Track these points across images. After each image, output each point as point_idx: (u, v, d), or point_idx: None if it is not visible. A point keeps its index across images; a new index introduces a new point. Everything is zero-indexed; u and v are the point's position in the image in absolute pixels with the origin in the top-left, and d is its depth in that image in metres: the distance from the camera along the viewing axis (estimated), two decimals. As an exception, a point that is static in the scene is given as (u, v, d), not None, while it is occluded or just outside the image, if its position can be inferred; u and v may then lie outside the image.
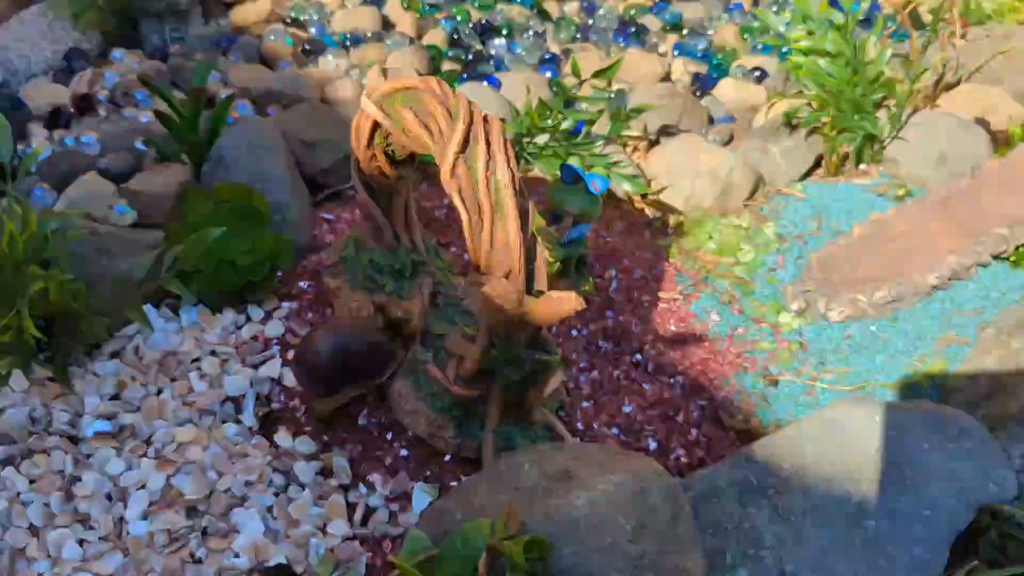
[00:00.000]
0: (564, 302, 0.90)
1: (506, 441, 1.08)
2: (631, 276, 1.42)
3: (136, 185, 1.29)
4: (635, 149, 1.70)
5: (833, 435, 1.03)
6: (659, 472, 0.89)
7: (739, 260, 1.50)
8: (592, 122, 1.57)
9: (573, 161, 1.51)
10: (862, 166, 1.71)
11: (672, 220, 1.59)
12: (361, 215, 1.22)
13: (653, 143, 1.71)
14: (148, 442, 1.07)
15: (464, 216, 0.97)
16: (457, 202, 0.97)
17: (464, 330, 1.16)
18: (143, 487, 1.02)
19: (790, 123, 1.70)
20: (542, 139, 1.58)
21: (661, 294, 1.41)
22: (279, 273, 1.28)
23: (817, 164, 1.72)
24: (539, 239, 0.99)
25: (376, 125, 1.09)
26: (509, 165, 0.96)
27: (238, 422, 1.12)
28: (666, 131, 1.71)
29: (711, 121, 1.81)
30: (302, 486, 1.06)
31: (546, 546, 0.79)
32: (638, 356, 1.30)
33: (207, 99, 1.36)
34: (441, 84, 1.01)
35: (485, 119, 0.97)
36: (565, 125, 1.57)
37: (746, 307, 1.42)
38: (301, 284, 1.29)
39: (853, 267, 1.44)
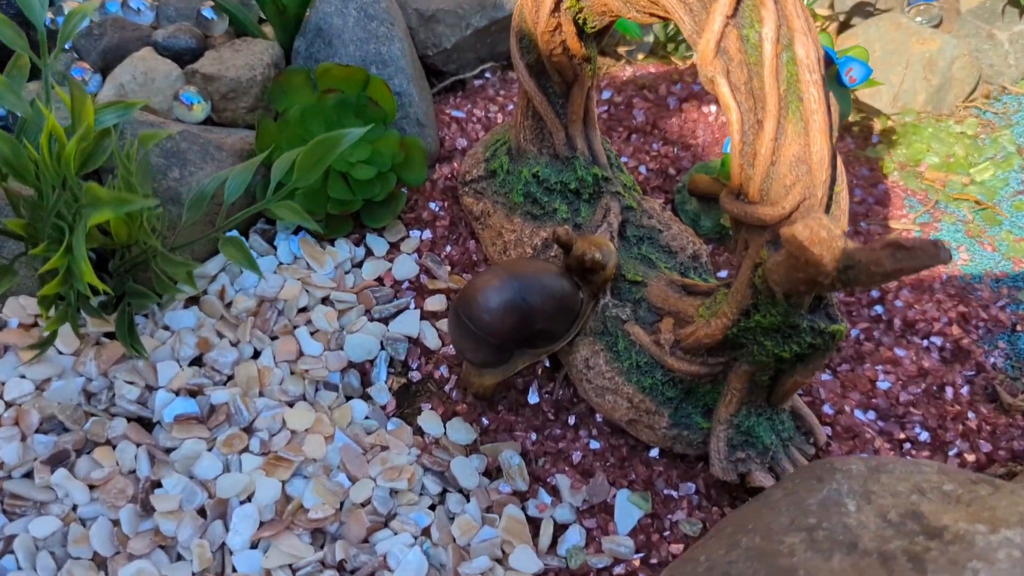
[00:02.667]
0: (926, 253, 0.57)
1: (744, 436, 0.77)
2: (850, 198, 1.08)
3: (209, 67, 0.95)
4: (822, 31, 1.33)
5: None
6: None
7: (974, 179, 1.16)
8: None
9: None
10: (1104, 60, 1.34)
11: (878, 125, 1.24)
12: (518, 112, 0.89)
13: (843, 25, 1.35)
14: (248, 430, 0.77)
15: (733, 114, 0.64)
16: (723, 92, 0.64)
17: (668, 276, 0.84)
18: (249, 499, 0.72)
19: (1019, 2, 1.33)
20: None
21: (891, 223, 1.08)
22: (405, 191, 0.95)
23: (1049, 56, 1.35)
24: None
25: (569, -20, 0.75)
26: (812, 36, 0.62)
27: (367, 398, 0.82)
28: (862, 9, 1.35)
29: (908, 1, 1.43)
30: (465, 494, 0.76)
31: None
32: (877, 308, 0.97)
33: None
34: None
35: (770, -35, 0.63)
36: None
37: (999, 242, 1.08)
38: (432, 206, 0.96)
39: None
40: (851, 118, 1.25)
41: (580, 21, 0.79)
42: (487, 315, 0.74)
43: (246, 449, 0.75)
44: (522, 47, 0.85)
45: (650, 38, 1.31)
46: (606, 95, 1.12)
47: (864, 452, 0.83)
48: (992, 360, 0.95)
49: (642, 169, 1.03)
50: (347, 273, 0.89)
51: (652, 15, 0.72)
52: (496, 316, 0.74)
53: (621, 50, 1.27)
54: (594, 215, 0.88)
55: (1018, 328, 0.98)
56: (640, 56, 1.27)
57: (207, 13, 1.03)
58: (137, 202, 0.56)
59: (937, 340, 0.95)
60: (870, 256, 0.58)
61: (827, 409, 0.85)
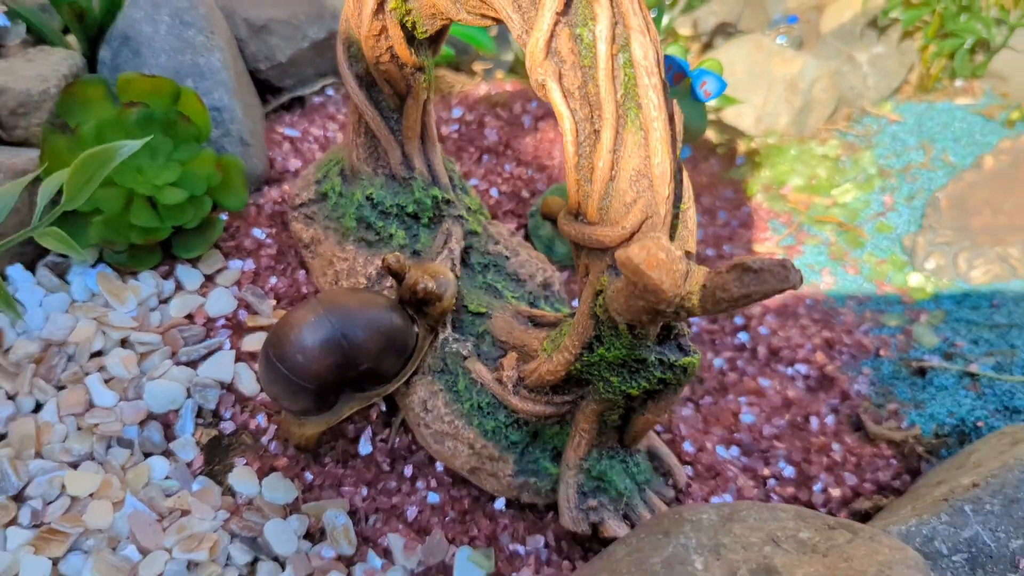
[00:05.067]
0: (775, 276, 0.51)
1: (596, 482, 0.70)
2: (714, 220, 1.04)
3: (-6, 77, 0.83)
4: (686, 52, 1.30)
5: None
6: (912, 559, 0.52)
7: (837, 201, 1.14)
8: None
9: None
10: (958, 82, 1.36)
11: (742, 146, 1.21)
12: (350, 129, 0.81)
13: (706, 46, 1.32)
14: (19, 497, 0.65)
15: (567, 123, 0.58)
16: (555, 98, 0.57)
17: (514, 307, 0.77)
18: (10, 583, 0.60)
19: (876, 24, 1.33)
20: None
21: (755, 247, 1.04)
22: (224, 216, 0.85)
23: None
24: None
25: (391, -20, 0.68)
26: (650, 35, 0.56)
27: (169, 454, 0.71)
28: (724, 30, 1.32)
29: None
30: (281, 562, 0.66)
31: None
32: (742, 336, 0.92)
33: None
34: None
35: (602, -40, 0.56)
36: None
37: (861, 264, 1.06)
38: (256, 233, 0.86)
39: (994, 211, 1.10)
40: (715, 140, 1.21)
41: (409, 25, 0.71)
42: (301, 356, 0.65)
43: (13, 522, 0.63)
44: (349, 55, 0.76)
45: (509, 56, 1.25)
46: (456, 113, 1.04)
47: (726, 491, 0.77)
48: (856, 387, 0.91)
49: (493, 192, 0.96)
50: (152, 311, 0.79)
51: (483, 16, 0.65)
52: (312, 357, 0.65)
53: (477, 67, 1.20)
54: (434, 241, 0.80)
55: (881, 353, 0.95)
56: (499, 74, 1.21)
57: (0, 19, 0.91)
58: None
59: (802, 368, 0.91)
60: (715, 281, 0.52)
61: (688, 447, 0.79)
